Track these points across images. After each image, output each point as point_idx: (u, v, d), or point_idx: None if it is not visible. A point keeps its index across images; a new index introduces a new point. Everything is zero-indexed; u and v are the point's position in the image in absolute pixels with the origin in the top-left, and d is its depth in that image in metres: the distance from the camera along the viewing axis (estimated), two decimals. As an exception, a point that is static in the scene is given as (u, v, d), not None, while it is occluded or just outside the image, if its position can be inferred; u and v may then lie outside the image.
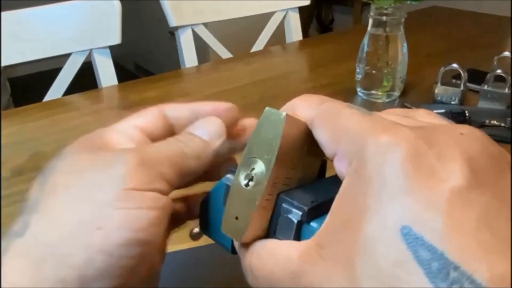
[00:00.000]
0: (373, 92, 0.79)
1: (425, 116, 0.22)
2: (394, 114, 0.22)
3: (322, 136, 0.21)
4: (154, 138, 0.28)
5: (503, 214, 0.16)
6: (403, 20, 0.76)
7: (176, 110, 0.29)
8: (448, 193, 0.16)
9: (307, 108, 0.22)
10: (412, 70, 0.80)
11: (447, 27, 1.27)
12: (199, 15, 1.16)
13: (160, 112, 0.29)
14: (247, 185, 0.22)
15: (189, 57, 1.15)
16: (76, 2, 0.98)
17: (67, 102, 0.88)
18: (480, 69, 0.85)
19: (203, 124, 0.27)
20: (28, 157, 0.65)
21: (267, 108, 0.22)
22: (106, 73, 1.01)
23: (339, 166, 0.20)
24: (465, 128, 0.19)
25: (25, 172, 0.61)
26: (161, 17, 1.13)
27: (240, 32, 1.75)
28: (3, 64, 0.90)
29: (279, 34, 1.32)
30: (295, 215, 0.21)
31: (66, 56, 0.99)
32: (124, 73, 1.29)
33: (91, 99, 0.88)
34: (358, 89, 0.80)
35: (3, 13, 0.88)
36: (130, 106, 0.83)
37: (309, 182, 0.24)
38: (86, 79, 1.06)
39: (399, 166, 0.17)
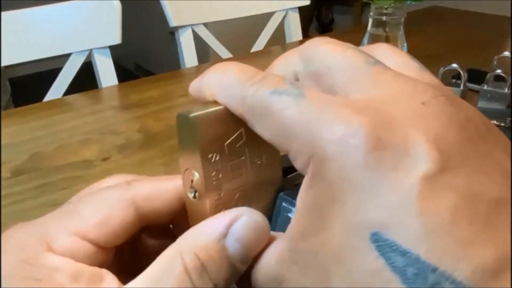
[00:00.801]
0: (373, 92, 0.79)
1: (387, 58, 0.19)
2: (354, 59, 0.18)
3: (263, 134, 0.18)
4: (113, 235, 0.21)
5: (484, 194, 0.15)
6: (403, 20, 0.76)
7: (147, 201, 0.21)
8: (417, 186, 0.15)
9: (225, 96, 0.19)
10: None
11: (447, 27, 1.27)
12: (199, 15, 1.16)
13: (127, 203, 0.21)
14: (194, 197, 0.21)
15: (189, 57, 1.15)
16: (76, 2, 0.98)
17: (67, 102, 0.88)
18: (480, 69, 0.85)
19: None
20: (28, 157, 0.65)
21: (177, 113, 0.20)
22: (106, 73, 1.01)
23: (296, 164, 0.17)
24: (428, 93, 0.16)
25: (25, 172, 0.61)
26: (161, 17, 1.13)
27: (240, 32, 1.75)
28: (3, 64, 0.90)
29: (279, 34, 1.32)
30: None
31: (66, 56, 0.99)
32: (124, 73, 1.29)
33: (91, 99, 0.88)
34: (358, 89, 0.80)
35: (3, 13, 0.88)
36: (130, 106, 0.83)
37: (277, 167, 0.23)
38: (86, 79, 1.06)
39: (360, 164, 0.15)
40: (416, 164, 0.15)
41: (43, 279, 0.18)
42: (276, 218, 0.22)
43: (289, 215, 0.22)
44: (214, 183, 0.20)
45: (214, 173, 0.20)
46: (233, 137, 0.21)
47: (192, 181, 0.21)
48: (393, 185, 0.15)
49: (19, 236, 0.20)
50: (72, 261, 0.19)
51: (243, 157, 0.21)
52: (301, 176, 0.20)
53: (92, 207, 0.21)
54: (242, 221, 0.19)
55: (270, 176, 0.22)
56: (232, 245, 0.19)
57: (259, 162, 0.21)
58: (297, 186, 0.23)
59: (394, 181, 0.15)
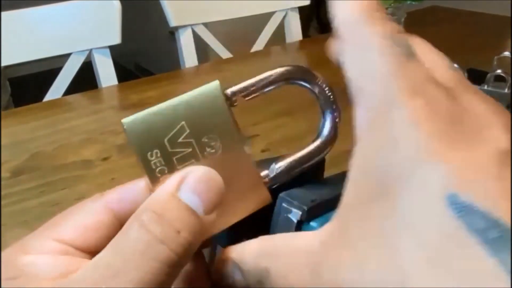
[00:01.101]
0: (373, 92, 0.79)
1: (421, 52, 0.19)
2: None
3: (348, 61, 0.18)
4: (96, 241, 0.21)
5: None
6: (403, 20, 0.76)
7: (120, 203, 0.22)
8: (495, 154, 0.15)
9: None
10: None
11: (447, 27, 1.27)
12: (199, 15, 1.16)
13: (102, 208, 0.22)
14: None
15: (189, 57, 1.15)
16: (76, 2, 0.98)
17: (67, 102, 0.88)
18: (480, 69, 0.84)
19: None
20: (28, 157, 0.65)
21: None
22: (106, 73, 1.01)
23: (358, 104, 0.18)
24: (483, 93, 0.18)
25: (25, 172, 0.61)
26: (161, 17, 1.13)
27: (240, 32, 1.75)
28: (3, 64, 0.90)
29: (279, 34, 1.32)
30: (295, 215, 0.21)
31: (66, 56, 0.99)
32: (124, 73, 1.29)
33: (91, 99, 0.88)
34: (358, 89, 0.80)
35: (3, 13, 0.88)
36: (130, 106, 0.83)
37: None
38: (86, 79, 1.06)
39: (435, 130, 0.15)
40: (492, 138, 0.16)
41: (18, 276, 0.19)
42: (276, 219, 0.22)
43: (289, 215, 0.21)
44: (160, 178, 0.21)
45: (158, 169, 0.21)
46: (173, 132, 0.21)
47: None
48: (470, 151, 0.15)
49: (5, 251, 0.20)
50: (48, 256, 0.19)
51: (190, 149, 0.21)
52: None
53: (68, 216, 0.21)
54: (192, 174, 0.20)
55: (234, 163, 0.21)
56: (187, 196, 0.19)
57: (212, 151, 0.21)
58: (298, 187, 0.23)
59: (471, 148, 0.15)
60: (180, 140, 0.21)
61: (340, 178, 0.20)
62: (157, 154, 0.21)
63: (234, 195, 0.21)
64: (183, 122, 0.21)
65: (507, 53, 0.78)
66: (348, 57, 0.18)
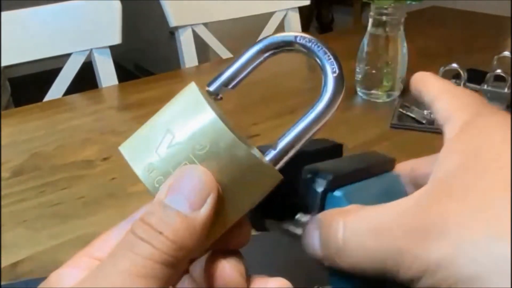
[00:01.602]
0: (373, 91, 0.79)
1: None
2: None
3: (443, 104, 0.25)
4: None
5: None
6: (403, 20, 0.76)
7: (102, 249, 0.23)
8: None
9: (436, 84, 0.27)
10: (412, 70, 0.80)
11: (447, 27, 1.27)
12: (199, 15, 1.16)
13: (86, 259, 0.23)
14: None
15: (189, 57, 1.15)
16: (76, 2, 0.98)
17: (67, 102, 0.88)
18: (480, 69, 0.84)
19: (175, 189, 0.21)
20: (28, 157, 0.65)
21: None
22: (106, 73, 1.01)
23: (448, 128, 0.23)
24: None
25: (25, 172, 0.61)
26: (161, 17, 1.13)
27: (240, 32, 1.75)
28: (3, 64, 0.90)
29: (279, 34, 1.32)
30: (320, 185, 0.23)
31: (66, 56, 0.99)
32: (124, 73, 1.29)
33: (91, 99, 0.88)
34: (358, 89, 0.80)
35: (3, 13, 0.88)
36: (130, 106, 0.83)
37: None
38: (86, 79, 1.06)
39: None
40: None
41: (45, 285, 0.21)
42: (302, 190, 0.23)
43: (314, 185, 0.23)
44: (159, 188, 0.21)
45: (156, 180, 0.21)
46: (161, 140, 0.21)
47: None
48: None
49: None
50: (76, 270, 0.22)
51: (180, 152, 0.21)
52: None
53: (103, 235, 0.24)
54: (173, 175, 0.21)
55: (228, 154, 0.21)
56: (171, 198, 0.20)
57: (204, 150, 0.21)
58: (322, 162, 0.24)
59: None
60: (168, 146, 0.21)
61: (357, 157, 0.20)
62: (151, 166, 0.21)
63: (239, 183, 0.21)
64: (167, 128, 0.21)
65: (507, 53, 0.78)
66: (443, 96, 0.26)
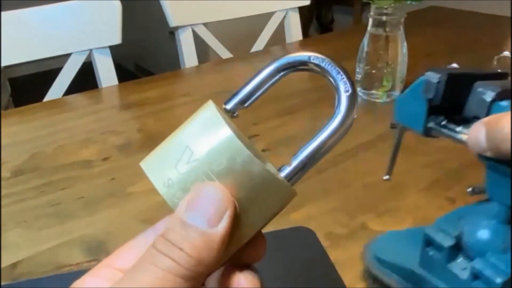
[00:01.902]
0: (373, 92, 0.79)
1: None
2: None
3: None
4: None
5: None
6: (403, 20, 0.76)
7: (122, 260, 0.24)
8: None
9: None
10: (412, 70, 0.80)
11: (447, 27, 1.27)
12: (199, 15, 1.16)
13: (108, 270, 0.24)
14: None
15: (189, 57, 1.15)
16: (76, 2, 0.98)
17: (67, 102, 0.88)
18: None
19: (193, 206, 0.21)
20: (28, 157, 0.65)
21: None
22: (106, 73, 1.01)
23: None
24: None
25: (25, 172, 0.61)
26: (161, 17, 1.13)
27: (240, 32, 1.75)
28: (3, 64, 0.90)
29: (279, 34, 1.32)
30: (489, 95, 0.28)
31: (66, 56, 0.99)
32: (124, 73, 1.29)
33: (91, 99, 0.88)
34: (358, 89, 0.80)
35: (3, 13, 0.88)
36: (130, 106, 0.83)
37: None
38: (86, 79, 1.06)
39: None
40: None
41: None
42: (472, 100, 0.29)
43: (483, 96, 0.28)
44: (179, 203, 0.22)
45: (176, 195, 0.22)
46: (180, 157, 0.22)
47: None
48: None
49: None
50: (98, 279, 0.23)
51: (199, 168, 0.22)
52: None
53: (124, 246, 0.24)
54: (191, 193, 0.21)
55: (245, 171, 0.21)
56: (190, 214, 0.21)
57: (221, 167, 0.21)
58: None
59: None
60: (187, 162, 0.22)
61: None
62: (171, 181, 0.22)
63: (254, 199, 0.22)
64: (186, 145, 0.22)
65: (507, 53, 0.78)
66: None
